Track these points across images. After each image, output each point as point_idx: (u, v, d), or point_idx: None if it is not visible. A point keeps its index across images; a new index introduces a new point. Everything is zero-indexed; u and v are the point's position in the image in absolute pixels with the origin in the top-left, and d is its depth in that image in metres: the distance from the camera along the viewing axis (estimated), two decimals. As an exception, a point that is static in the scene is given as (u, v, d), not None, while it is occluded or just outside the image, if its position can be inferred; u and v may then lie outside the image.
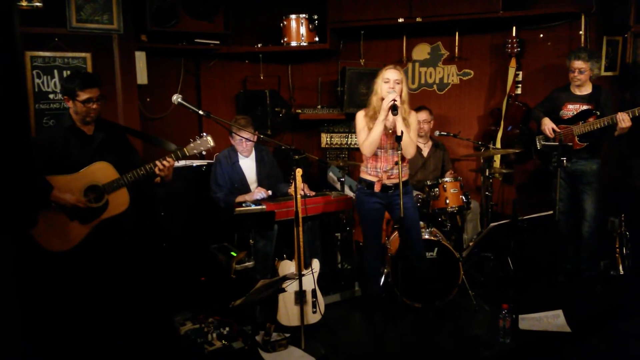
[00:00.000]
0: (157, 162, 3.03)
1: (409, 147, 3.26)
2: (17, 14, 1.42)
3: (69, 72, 3.74)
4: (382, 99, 3.20)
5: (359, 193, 3.43)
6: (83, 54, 3.81)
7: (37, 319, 2.72)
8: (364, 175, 3.41)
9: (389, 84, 3.21)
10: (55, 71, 3.73)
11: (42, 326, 2.81)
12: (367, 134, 3.28)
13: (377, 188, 3.31)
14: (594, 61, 3.88)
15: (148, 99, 4.59)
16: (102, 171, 3.00)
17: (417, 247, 3.46)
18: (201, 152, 3.13)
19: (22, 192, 1.44)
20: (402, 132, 3.09)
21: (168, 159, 3.06)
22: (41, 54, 3.67)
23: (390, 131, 3.28)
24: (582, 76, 3.90)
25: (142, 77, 4.31)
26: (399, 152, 3.04)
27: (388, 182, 3.32)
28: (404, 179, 3.33)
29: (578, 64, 3.87)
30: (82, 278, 2.97)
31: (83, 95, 2.95)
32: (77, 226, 2.94)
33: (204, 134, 3.15)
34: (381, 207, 3.41)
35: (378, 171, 3.32)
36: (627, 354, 3.06)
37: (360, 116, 3.34)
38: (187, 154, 3.11)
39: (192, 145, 3.11)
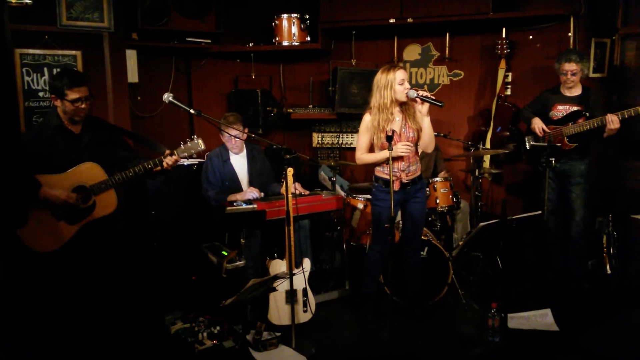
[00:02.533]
0: (165, 161, 3.03)
1: (432, 142, 3.35)
2: (7, 11, 1.42)
3: (59, 70, 3.72)
4: (397, 102, 3.25)
5: (375, 190, 3.43)
6: (73, 52, 3.79)
7: (27, 317, 2.70)
8: (380, 174, 3.39)
9: (405, 84, 3.23)
10: (45, 69, 3.70)
11: (33, 323, 2.80)
12: (367, 141, 3.33)
13: (396, 187, 3.32)
14: (585, 62, 3.92)
15: (139, 98, 4.57)
16: (90, 172, 2.96)
17: (416, 242, 3.51)
18: (192, 154, 3.13)
19: (11, 191, 1.44)
20: (392, 132, 3.12)
21: (173, 157, 3.05)
22: (31, 51, 3.64)
23: (403, 130, 3.31)
24: (575, 78, 3.93)
25: (132, 76, 4.29)
26: (391, 152, 3.06)
27: (406, 180, 3.34)
28: (417, 174, 3.39)
29: (570, 66, 3.90)
30: (68, 278, 2.95)
31: (72, 95, 2.90)
32: (64, 226, 2.91)
33: (194, 136, 3.15)
34: (398, 204, 3.43)
35: (395, 170, 3.32)
36: (614, 352, 3.10)
37: (367, 119, 3.34)
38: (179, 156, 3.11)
39: (182, 147, 3.11)
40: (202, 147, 3.12)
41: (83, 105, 2.95)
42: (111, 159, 3.08)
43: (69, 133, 3.01)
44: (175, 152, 3.07)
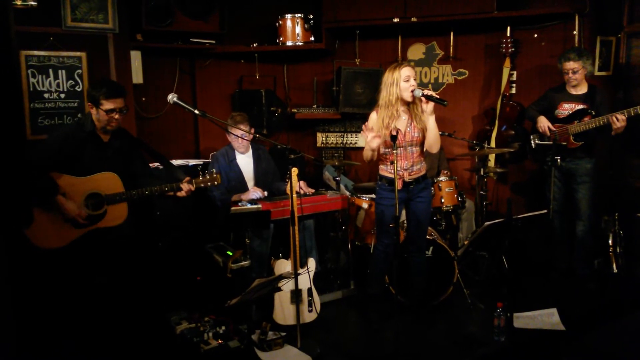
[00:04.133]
0: (182, 186, 3.13)
1: (437, 142, 3.32)
2: (12, 13, 1.42)
3: (64, 72, 3.75)
4: (401, 100, 3.24)
5: (379, 189, 3.43)
6: (78, 54, 3.81)
7: (30, 316, 2.71)
8: (384, 173, 3.40)
9: (410, 81, 3.23)
10: (50, 70, 3.72)
11: (36, 322, 2.81)
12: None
13: (399, 186, 3.32)
14: (585, 59, 3.89)
15: (143, 99, 4.59)
16: (108, 181, 3.02)
17: (421, 242, 3.50)
18: (207, 186, 3.25)
19: (15, 191, 1.44)
20: (397, 131, 3.11)
21: (189, 186, 3.16)
22: (36, 53, 3.66)
23: (408, 129, 3.31)
24: (577, 76, 3.91)
25: (137, 77, 4.31)
26: (395, 151, 3.05)
27: (409, 179, 3.34)
28: (422, 173, 3.38)
29: (570, 65, 3.89)
30: (70, 275, 2.97)
31: (107, 105, 2.96)
32: (70, 228, 2.94)
33: (214, 170, 3.29)
34: (401, 203, 3.43)
35: (398, 169, 3.32)
36: (620, 352, 3.08)
37: (373, 117, 3.35)
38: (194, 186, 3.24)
39: (200, 179, 3.22)
40: (219, 181, 3.26)
41: (117, 116, 3.01)
42: (128, 171, 3.13)
43: (98, 140, 3.07)
44: (193, 181, 3.17)
